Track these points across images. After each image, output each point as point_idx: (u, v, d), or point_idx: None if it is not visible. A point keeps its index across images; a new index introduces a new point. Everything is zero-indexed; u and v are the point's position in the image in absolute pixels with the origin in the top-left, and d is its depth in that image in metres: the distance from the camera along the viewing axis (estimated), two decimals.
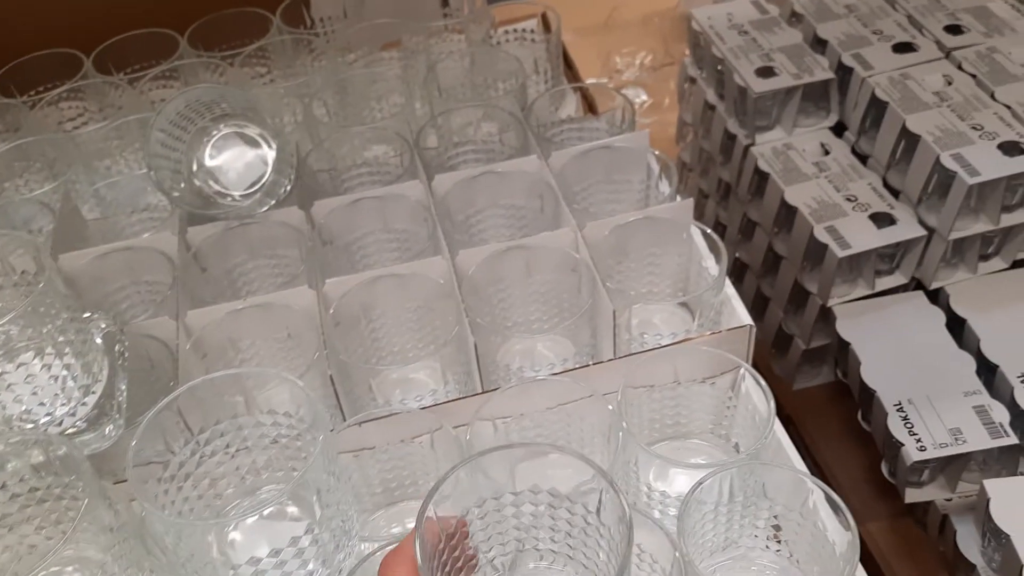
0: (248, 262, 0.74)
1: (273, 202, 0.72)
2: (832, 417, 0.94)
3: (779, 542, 0.57)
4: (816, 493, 0.53)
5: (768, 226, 0.95)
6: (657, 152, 0.73)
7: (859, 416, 0.86)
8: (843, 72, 0.95)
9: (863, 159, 0.93)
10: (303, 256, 0.71)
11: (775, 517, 0.58)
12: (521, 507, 0.45)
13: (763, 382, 0.57)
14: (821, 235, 0.84)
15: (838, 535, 0.52)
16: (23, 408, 0.56)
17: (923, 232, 0.82)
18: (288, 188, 0.73)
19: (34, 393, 0.56)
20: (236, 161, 0.73)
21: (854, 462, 0.90)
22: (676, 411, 0.63)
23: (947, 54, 0.91)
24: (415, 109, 0.86)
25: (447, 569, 0.42)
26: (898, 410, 0.78)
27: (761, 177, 0.95)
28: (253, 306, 0.64)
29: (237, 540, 0.54)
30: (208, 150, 0.73)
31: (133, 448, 0.46)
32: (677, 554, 0.49)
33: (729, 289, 0.67)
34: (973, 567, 0.74)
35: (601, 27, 1.47)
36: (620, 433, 0.55)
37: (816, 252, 0.86)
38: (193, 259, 0.71)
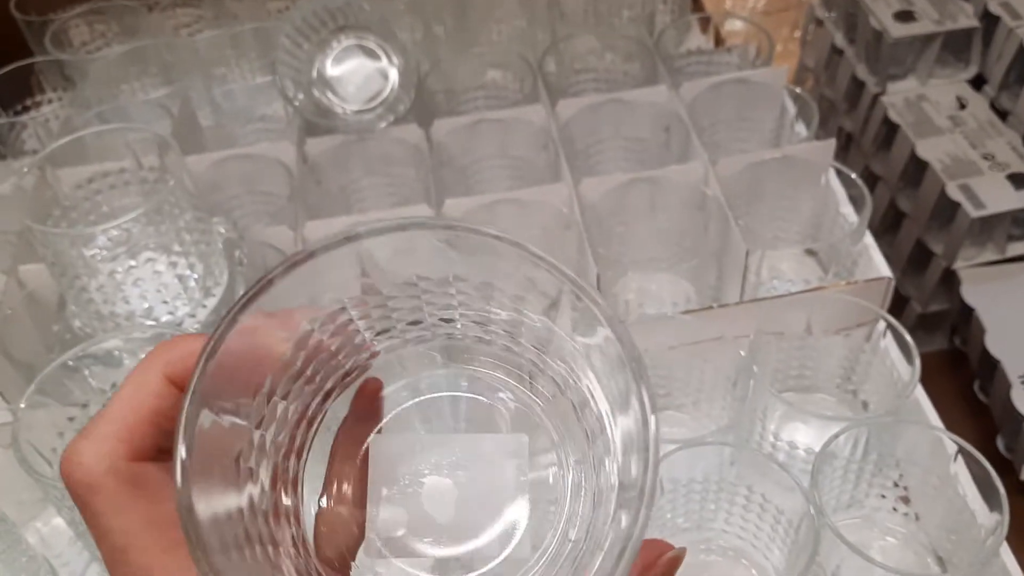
0: (363, 178, 0.72)
1: (393, 118, 0.70)
2: (943, 386, 0.89)
3: (907, 503, 0.55)
4: (959, 461, 0.50)
5: (893, 181, 0.90)
6: (798, 89, 0.68)
7: (976, 387, 0.82)
8: (988, 21, 0.88)
9: (1002, 115, 0.88)
10: (420, 175, 0.69)
11: (901, 477, 0.55)
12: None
13: (909, 338, 0.53)
14: (953, 193, 0.79)
15: (980, 506, 0.49)
16: (146, 306, 0.56)
17: None
18: (408, 106, 0.71)
19: (158, 291, 0.56)
20: (355, 74, 0.71)
21: (965, 435, 0.86)
22: (803, 362, 0.60)
23: None
24: (535, 34, 0.83)
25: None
26: (1023, 382, 0.74)
27: (890, 128, 0.89)
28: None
29: None
30: (329, 61, 0.71)
31: None
32: (811, 509, 0.47)
33: (868, 239, 0.63)
34: None
35: None
36: (751, 380, 0.52)
37: (945, 211, 0.81)
38: (310, 171, 0.70)
